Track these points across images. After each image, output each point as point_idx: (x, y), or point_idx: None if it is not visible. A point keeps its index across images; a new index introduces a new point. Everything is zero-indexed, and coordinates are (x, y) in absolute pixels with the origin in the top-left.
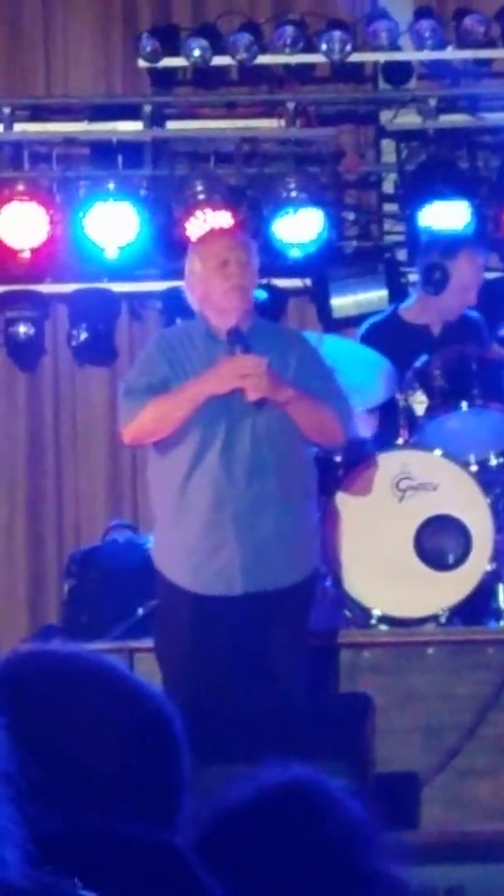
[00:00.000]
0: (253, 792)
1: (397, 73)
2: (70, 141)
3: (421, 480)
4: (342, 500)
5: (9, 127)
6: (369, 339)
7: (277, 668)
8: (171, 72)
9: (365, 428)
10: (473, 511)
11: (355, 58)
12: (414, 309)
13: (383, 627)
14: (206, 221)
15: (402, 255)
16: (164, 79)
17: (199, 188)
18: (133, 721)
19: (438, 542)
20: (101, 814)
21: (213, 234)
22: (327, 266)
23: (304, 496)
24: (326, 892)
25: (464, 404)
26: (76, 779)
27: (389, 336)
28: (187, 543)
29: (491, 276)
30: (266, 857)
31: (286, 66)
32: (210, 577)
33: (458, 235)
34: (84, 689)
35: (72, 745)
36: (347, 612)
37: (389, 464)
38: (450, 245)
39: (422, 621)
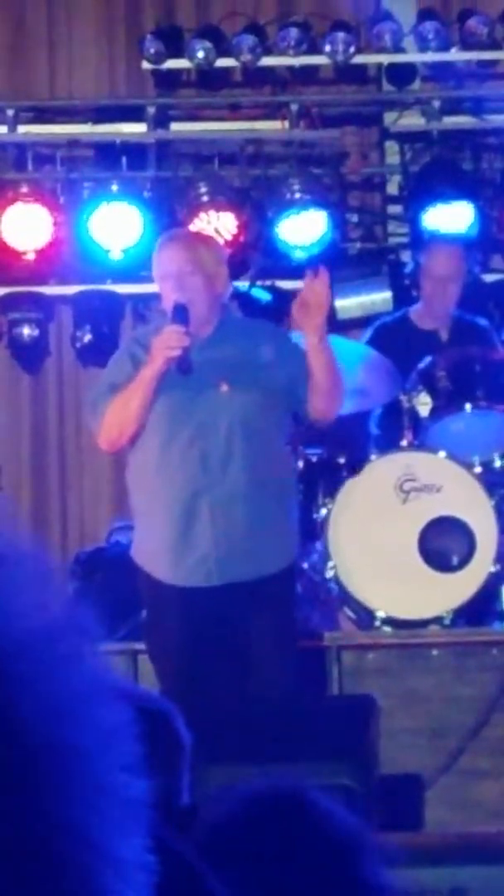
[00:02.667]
0: (246, 803)
1: (401, 74)
2: (74, 142)
3: (425, 482)
4: (346, 501)
5: (13, 128)
6: (378, 340)
7: (263, 664)
8: (174, 73)
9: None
10: (477, 512)
11: (359, 59)
12: (421, 311)
13: (387, 629)
14: (209, 223)
15: (406, 256)
16: (168, 80)
17: (203, 190)
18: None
19: (442, 543)
20: None
21: (162, 243)
22: (331, 268)
23: (280, 488)
24: None
25: (468, 406)
26: None
27: (398, 338)
28: (165, 536)
29: (496, 277)
30: (262, 868)
31: (290, 68)
32: (189, 569)
33: (439, 234)
34: None
35: None
36: (351, 614)
37: (393, 465)
38: (425, 242)
39: (426, 623)
